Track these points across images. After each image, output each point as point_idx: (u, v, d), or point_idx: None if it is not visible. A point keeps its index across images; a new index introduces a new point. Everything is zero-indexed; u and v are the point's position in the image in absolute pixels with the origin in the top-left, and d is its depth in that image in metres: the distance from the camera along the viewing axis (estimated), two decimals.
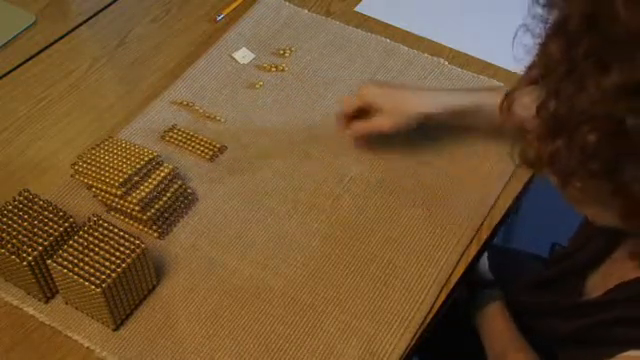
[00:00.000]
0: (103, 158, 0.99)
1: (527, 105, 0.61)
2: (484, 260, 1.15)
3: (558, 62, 0.56)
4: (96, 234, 0.90)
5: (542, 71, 0.58)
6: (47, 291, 0.94)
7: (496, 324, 1.04)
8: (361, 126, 1.05)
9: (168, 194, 1.00)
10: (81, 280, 0.86)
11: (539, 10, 0.59)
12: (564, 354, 0.89)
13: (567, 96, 0.56)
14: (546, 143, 0.58)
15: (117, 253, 0.88)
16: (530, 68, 0.61)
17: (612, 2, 0.53)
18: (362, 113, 1.05)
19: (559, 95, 0.56)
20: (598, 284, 0.85)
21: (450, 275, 0.97)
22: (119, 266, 0.87)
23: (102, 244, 0.89)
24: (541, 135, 0.58)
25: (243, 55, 1.24)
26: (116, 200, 0.98)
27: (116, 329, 0.92)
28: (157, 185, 0.98)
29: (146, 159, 0.99)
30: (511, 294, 1.06)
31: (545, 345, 0.93)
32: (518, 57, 0.62)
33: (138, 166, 0.98)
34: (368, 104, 1.03)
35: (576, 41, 0.55)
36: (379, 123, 1.03)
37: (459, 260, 0.99)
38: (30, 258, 0.89)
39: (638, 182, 0.55)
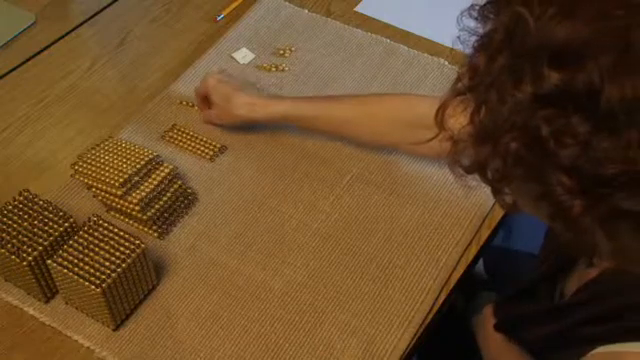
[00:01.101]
0: (103, 158, 0.99)
1: (459, 115, 0.64)
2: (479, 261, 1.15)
3: (482, 74, 0.60)
4: (96, 234, 0.90)
5: (469, 82, 0.61)
6: (47, 291, 0.94)
7: (490, 327, 1.04)
8: (204, 116, 1.14)
9: (168, 194, 1.00)
10: (81, 280, 0.86)
11: (471, 23, 0.63)
12: (543, 357, 0.90)
13: (491, 106, 0.59)
14: (476, 150, 0.61)
15: (117, 253, 0.88)
16: (458, 79, 0.63)
17: (525, 16, 0.56)
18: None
19: (486, 105, 0.60)
20: (571, 288, 0.85)
21: (450, 275, 0.97)
22: (119, 266, 0.88)
23: (102, 244, 0.89)
24: (473, 143, 0.61)
25: (243, 55, 1.24)
26: (116, 200, 0.98)
27: (116, 329, 0.92)
28: (157, 185, 0.98)
29: (146, 159, 0.99)
30: (499, 305, 1.06)
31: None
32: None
33: (138, 166, 0.98)
34: (206, 95, 1.11)
35: (497, 54, 0.58)
36: (210, 114, 1.12)
37: (459, 260, 0.99)
38: (30, 258, 0.89)
39: (560, 185, 0.57)
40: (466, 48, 0.63)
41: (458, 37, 0.64)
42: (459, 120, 0.64)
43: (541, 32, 0.56)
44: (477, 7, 0.63)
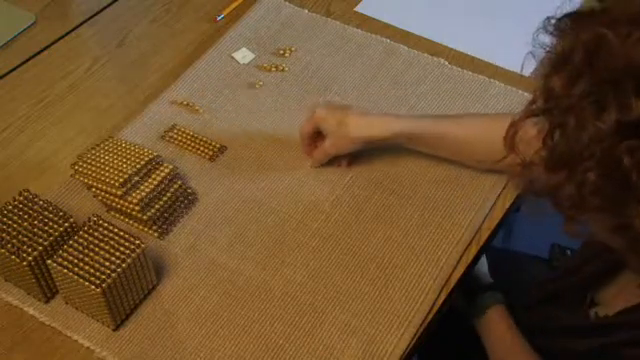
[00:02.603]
0: (103, 158, 0.99)
1: (531, 137, 0.61)
2: (483, 262, 1.15)
3: (560, 97, 0.56)
4: (96, 234, 0.90)
5: (544, 104, 0.59)
6: (47, 291, 0.94)
7: (497, 328, 1.04)
8: (316, 154, 1.07)
9: (168, 194, 1.00)
10: (81, 280, 0.86)
11: (546, 39, 0.59)
12: None
13: (568, 132, 0.56)
14: (549, 176, 0.58)
15: (117, 253, 0.88)
16: (533, 101, 0.60)
17: (609, 37, 0.53)
18: (321, 136, 1.06)
19: (562, 129, 0.57)
20: (608, 300, 0.84)
21: (450, 275, 0.97)
22: (119, 266, 0.87)
23: (102, 244, 0.89)
24: (545, 167, 0.59)
25: (243, 55, 1.24)
26: (116, 200, 0.98)
27: (116, 329, 0.92)
28: (157, 185, 0.98)
29: (146, 159, 0.99)
30: (517, 309, 1.05)
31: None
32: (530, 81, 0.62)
33: (138, 166, 0.98)
34: (319, 126, 1.04)
35: (577, 77, 0.55)
36: (324, 147, 1.05)
37: (459, 260, 0.99)
38: (30, 258, 0.89)
39: (639, 219, 0.55)
40: (540, 66, 0.59)
41: (531, 52, 0.60)
42: (531, 143, 0.60)
43: (627, 56, 0.52)
44: (553, 20, 0.59)
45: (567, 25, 0.58)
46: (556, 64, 0.58)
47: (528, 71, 0.59)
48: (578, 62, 0.55)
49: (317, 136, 1.06)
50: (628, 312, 0.79)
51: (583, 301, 0.88)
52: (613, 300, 0.83)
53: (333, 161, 1.09)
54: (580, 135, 0.55)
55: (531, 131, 0.61)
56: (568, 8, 0.60)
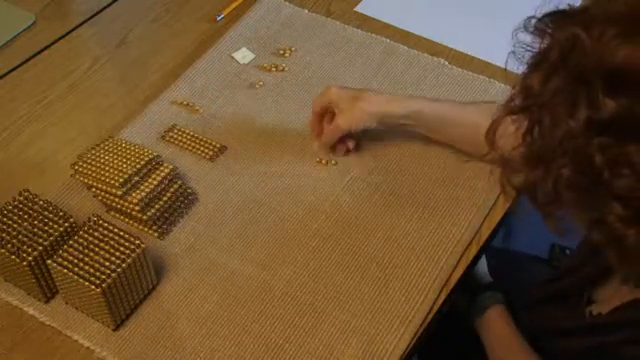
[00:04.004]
0: (103, 158, 0.99)
1: (511, 133, 0.62)
2: (483, 262, 1.15)
3: (536, 95, 0.57)
4: (96, 234, 0.90)
5: (522, 102, 0.59)
6: (47, 291, 0.94)
7: (497, 328, 1.04)
8: (325, 134, 1.06)
9: (168, 194, 1.00)
10: (81, 280, 0.86)
11: (527, 38, 0.60)
12: None
13: (544, 129, 0.57)
14: (527, 172, 0.59)
15: (117, 253, 0.88)
16: (511, 99, 0.61)
17: (582, 37, 0.54)
18: (329, 117, 1.06)
19: (539, 126, 0.58)
20: (605, 298, 0.84)
21: (450, 275, 0.97)
22: (119, 266, 0.87)
23: (102, 244, 0.89)
24: (523, 163, 0.60)
25: (243, 55, 1.24)
26: (116, 200, 0.98)
27: (116, 329, 0.92)
28: (157, 185, 0.98)
29: (146, 159, 0.99)
30: (517, 310, 1.05)
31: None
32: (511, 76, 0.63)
33: (138, 166, 0.98)
34: (331, 103, 1.04)
35: (552, 75, 0.56)
36: (337, 123, 1.04)
37: (459, 260, 0.99)
38: (30, 258, 0.89)
39: (614, 214, 0.55)
40: (521, 64, 0.60)
41: (513, 52, 0.61)
42: (509, 140, 0.61)
43: (599, 54, 0.53)
44: (534, 20, 0.60)
45: (546, 24, 0.59)
46: (534, 62, 0.59)
47: (511, 69, 0.61)
48: (553, 60, 0.56)
49: (325, 118, 1.06)
50: (621, 310, 0.79)
51: (581, 301, 0.88)
52: (609, 298, 0.83)
53: (332, 162, 1.09)
54: (554, 132, 0.56)
55: (510, 128, 0.62)
56: (550, 7, 0.60)
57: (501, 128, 0.64)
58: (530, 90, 0.58)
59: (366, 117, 1.02)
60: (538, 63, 0.58)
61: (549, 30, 0.58)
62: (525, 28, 0.61)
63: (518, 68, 0.61)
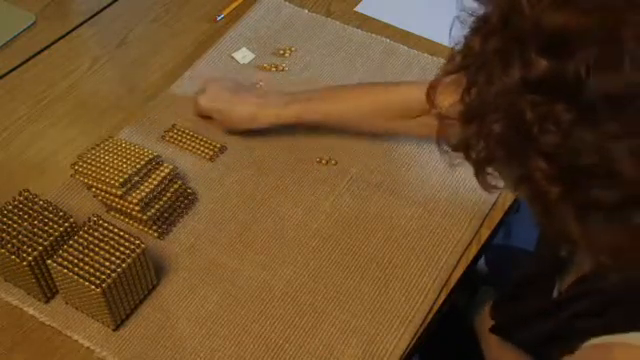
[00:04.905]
0: (103, 158, 0.99)
1: (449, 94, 0.65)
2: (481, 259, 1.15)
3: (475, 55, 0.60)
4: (96, 234, 0.90)
5: (462, 62, 0.62)
6: (47, 291, 0.94)
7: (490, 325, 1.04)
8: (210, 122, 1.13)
9: (168, 194, 1.00)
10: (81, 280, 0.86)
11: (471, 3, 0.63)
12: (538, 354, 0.91)
13: (479, 87, 0.60)
14: (462, 130, 0.62)
15: (117, 253, 0.88)
16: (452, 58, 0.64)
17: (522, 3, 0.57)
18: None
19: (476, 85, 0.61)
20: (565, 279, 0.86)
21: (450, 275, 0.97)
22: (119, 266, 0.88)
23: (102, 244, 0.89)
24: (460, 120, 0.63)
25: (243, 55, 1.24)
26: (116, 200, 0.98)
27: (116, 329, 0.92)
28: (157, 185, 0.98)
29: (146, 159, 0.99)
30: (496, 306, 1.06)
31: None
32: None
33: (138, 166, 0.98)
34: (204, 114, 1.12)
35: (491, 36, 0.59)
36: (216, 126, 1.12)
37: (459, 260, 0.99)
38: (30, 258, 0.89)
39: (539, 170, 0.58)
40: (464, 28, 0.63)
41: (457, 17, 0.64)
42: (448, 99, 0.65)
43: (535, 18, 0.56)
44: None
45: None
46: (476, 25, 0.62)
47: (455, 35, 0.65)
48: (493, 23, 0.59)
49: None
50: (572, 286, 0.82)
51: (547, 290, 0.90)
52: (568, 278, 0.86)
53: (332, 162, 1.09)
54: (489, 89, 0.59)
55: (449, 87, 0.65)
56: None
57: (440, 88, 0.68)
58: (470, 50, 0.61)
59: (237, 129, 1.10)
60: (480, 26, 0.61)
61: None
62: None
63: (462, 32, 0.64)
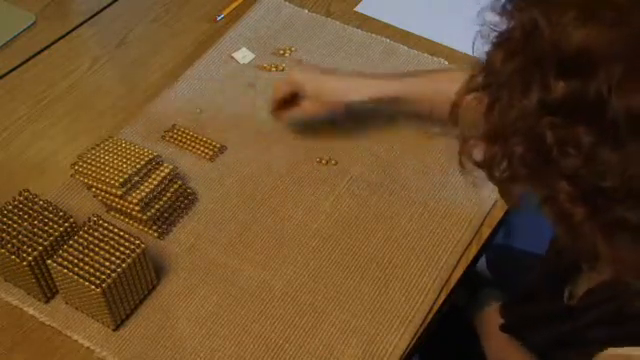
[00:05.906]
0: (103, 158, 0.99)
1: (475, 109, 0.64)
2: (481, 258, 1.15)
3: (497, 73, 0.59)
4: (96, 234, 0.90)
5: (484, 80, 0.61)
6: (47, 291, 0.94)
7: (494, 326, 1.04)
8: (292, 113, 1.08)
9: (168, 194, 1.00)
10: (81, 280, 0.86)
11: (493, 17, 0.62)
12: (547, 356, 0.91)
13: (501, 108, 0.59)
14: (485, 148, 0.62)
15: (117, 253, 0.88)
16: (474, 75, 0.63)
17: (540, 22, 0.56)
18: (294, 97, 1.07)
19: (498, 105, 0.60)
20: (581, 289, 0.85)
21: (450, 275, 0.97)
22: (119, 266, 0.88)
23: (102, 244, 0.89)
24: (483, 140, 0.62)
25: (243, 55, 1.24)
26: (116, 200, 0.98)
27: (116, 329, 0.92)
28: (157, 185, 0.98)
29: (146, 159, 0.99)
30: (506, 306, 1.06)
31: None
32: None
33: (138, 166, 0.98)
34: (296, 89, 1.05)
35: (512, 55, 0.58)
36: (302, 109, 1.06)
37: (459, 260, 0.99)
38: (30, 258, 0.89)
39: (562, 192, 0.57)
40: (486, 43, 0.62)
41: (479, 32, 0.63)
42: (471, 114, 0.64)
43: (555, 38, 0.55)
44: (501, 1, 0.62)
45: (512, 6, 0.61)
46: (498, 41, 0.61)
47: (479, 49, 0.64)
48: (515, 41, 0.58)
49: (291, 98, 1.07)
50: (587, 294, 0.82)
51: (562, 295, 0.89)
52: (582, 285, 0.85)
53: (333, 162, 1.09)
54: (510, 111, 0.58)
55: (471, 103, 0.64)
56: None
57: (463, 105, 0.66)
58: (492, 68, 0.60)
59: (328, 109, 1.05)
60: (502, 42, 0.61)
61: (514, 11, 0.60)
62: (492, 8, 0.63)
63: (484, 47, 0.63)
